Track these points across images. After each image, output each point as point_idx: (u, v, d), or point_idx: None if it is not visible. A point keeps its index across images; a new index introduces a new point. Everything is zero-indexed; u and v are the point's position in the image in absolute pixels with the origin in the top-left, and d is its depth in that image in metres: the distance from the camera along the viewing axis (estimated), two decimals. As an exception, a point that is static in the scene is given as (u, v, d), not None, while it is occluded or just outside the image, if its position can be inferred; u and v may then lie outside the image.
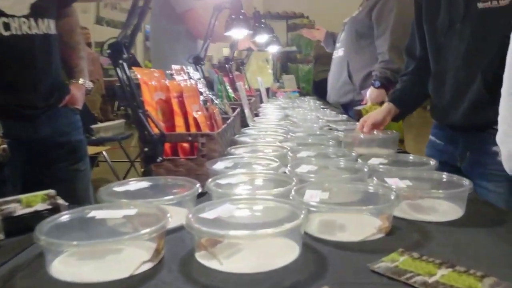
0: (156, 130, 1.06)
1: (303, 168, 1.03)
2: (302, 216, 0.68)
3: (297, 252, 0.69)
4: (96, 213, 0.75)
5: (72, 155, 1.46)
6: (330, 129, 1.75)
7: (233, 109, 1.84)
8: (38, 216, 0.80)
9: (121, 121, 4.45)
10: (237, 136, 1.50)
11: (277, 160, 1.09)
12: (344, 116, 2.11)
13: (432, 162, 1.08)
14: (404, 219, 0.85)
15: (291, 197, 0.80)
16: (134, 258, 0.68)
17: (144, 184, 0.95)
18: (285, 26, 7.03)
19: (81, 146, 1.51)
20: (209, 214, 0.73)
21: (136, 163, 3.87)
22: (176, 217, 0.74)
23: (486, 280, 0.59)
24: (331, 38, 3.15)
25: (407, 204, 0.87)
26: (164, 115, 1.24)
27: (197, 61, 1.99)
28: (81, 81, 1.51)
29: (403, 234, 0.79)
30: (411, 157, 1.15)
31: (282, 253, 0.69)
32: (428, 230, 0.80)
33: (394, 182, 0.90)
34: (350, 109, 2.53)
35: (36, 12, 1.28)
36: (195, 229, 0.66)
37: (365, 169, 1.00)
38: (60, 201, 0.88)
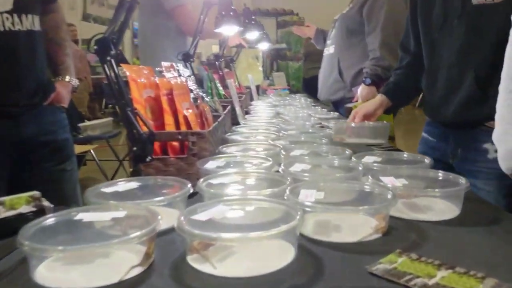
0: (145, 129, 1.03)
1: (296, 167, 1.01)
2: (297, 217, 0.65)
3: (292, 254, 0.67)
4: (83, 216, 0.72)
5: (58, 155, 1.42)
6: (322, 126, 1.74)
7: (224, 107, 1.81)
8: (22, 219, 0.77)
9: (109, 119, 4.40)
10: (228, 134, 1.48)
11: (270, 159, 1.07)
12: (336, 114, 2.10)
13: (427, 160, 1.07)
14: (400, 219, 0.83)
15: (285, 197, 0.78)
16: (123, 262, 0.65)
17: (133, 184, 0.92)
18: (275, 23, 7.01)
19: (67, 145, 1.47)
20: (201, 216, 0.70)
21: (124, 162, 3.83)
22: (166, 218, 0.71)
23: (487, 282, 0.58)
24: (322, 35, 3.14)
25: (402, 203, 0.86)
26: (153, 113, 1.21)
27: (187, 58, 1.96)
28: (67, 78, 1.47)
29: (400, 234, 0.77)
30: (405, 155, 1.14)
31: (278, 255, 0.67)
32: (425, 229, 0.78)
33: (389, 181, 0.89)
34: (341, 107, 2.52)
35: (19, 8, 1.24)
36: (186, 232, 0.64)
37: (360, 168, 0.98)
38: (45, 203, 0.85)
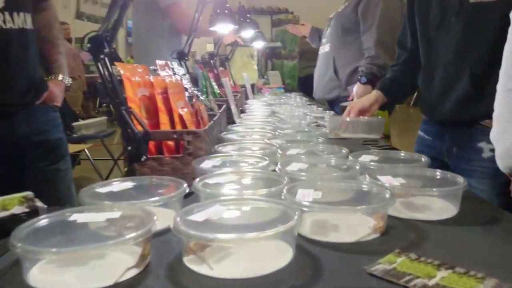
0: (139, 128, 1.02)
1: (293, 166, 1.00)
2: (295, 217, 0.64)
3: (290, 254, 0.66)
4: (78, 217, 0.71)
5: (51, 154, 1.40)
6: (318, 125, 1.73)
7: (219, 106, 1.80)
8: (15, 220, 0.76)
9: (103, 118, 4.38)
10: (224, 133, 1.47)
11: (266, 158, 1.06)
12: (332, 113, 2.09)
13: (424, 159, 1.06)
14: (397, 218, 0.83)
15: (283, 197, 0.77)
16: (119, 264, 0.64)
17: (128, 184, 0.90)
18: (270, 21, 6.99)
19: (61, 144, 1.45)
20: (197, 216, 0.69)
21: (119, 161, 3.81)
22: (162, 219, 0.70)
23: (488, 282, 0.57)
24: (317, 33, 3.13)
25: (400, 202, 0.85)
26: (148, 112, 1.20)
27: (181, 57, 1.95)
28: (60, 77, 1.46)
29: (398, 233, 0.76)
30: (402, 154, 1.13)
31: (275, 256, 0.66)
32: (423, 229, 0.78)
33: (387, 180, 0.88)
34: (336, 105, 2.51)
35: (11, 6, 1.22)
36: (183, 232, 0.63)
37: (357, 167, 0.97)
38: (39, 203, 0.83)
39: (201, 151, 1.12)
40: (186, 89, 1.49)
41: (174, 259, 0.68)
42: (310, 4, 7.01)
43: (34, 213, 0.80)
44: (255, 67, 3.78)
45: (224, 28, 2.05)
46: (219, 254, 0.65)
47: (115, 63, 1.08)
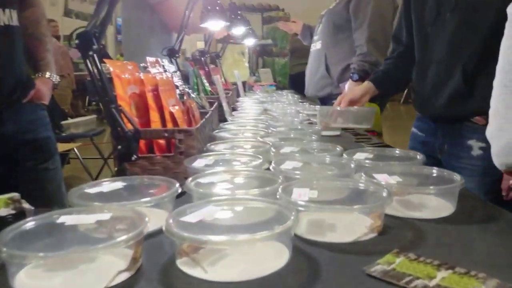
0: (130, 126, 0.99)
1: (287, 165, 0.98)
2: (292, 217, 0.63)
3: (287, 256, 0.64)
4: (66, 219, 0.68)
5: (39, 153, 1.37)
6: (310, 123, 1.71)
7: (210, 103, 1.77)
8: (0, 223, 0.73)
9: (93, 116, 4.32)
10: (216, 131, 1.44)
11: (260, 156, 1.04)
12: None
13: (419, 156, 1.05)
14: (394, 217, 0.81)
15: (278, 196, 0.75)
16: (109, 267, 0.62)
17: (118, 184, 0.88)
18: (260, 19, 6.97)
19: (49, 143, 1.42)
20: (191, 217, 0.67)
21: (109, 160, 3.76)
22: (154, 220, 0.68)
23: (489, 283, 0.56)
24: (308, 31, 3.12)
25: (396, 200, 0.84)
26: (138, 110, 1.17)
27: (172, 54, 1.92)
28: (47, 75, 1.42)
29: (396, 233, 0.75)
30: (397, 152, 1.12)
31: (272, 257, 0.64)
32: (421, 228, 0.76)
33: (383, 178, 0.86)
34: (328, 103, 2.50)
35: None
36: (175, 234, 0.61)
37: (352, 165, 0.96)
38: (26, 205, 0.80)
39: (193, 150, 1.10)
40: (177, 87, 1.46)
41: (166, 262, 0.66)
42: (301, 2, 6.99)
43: (20, 215, 0.77)
44: (246, 64, 3.76)
45: (215, 25, 2.02)
46: (213, 256, 0.63)
47: (104, 60, 1.06)
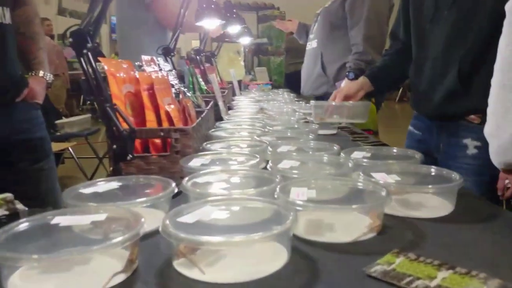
0: (125, 126, 0.98)
1: (285, 164, 0.97)
2: (291, 217, 0.62)
3: (286, 256, 0.63)
4: (61, 220, 0.67)
5: (34, 154, 1.35)
6: (307, 122, 1.71)
7: (206, 102, 1.76)
8: (-7, 224, 0.71)
9: (87, 116, 4.29)
10: (212, 130, 1.43)
11: (257, 155, 1.03)
12: None
13: (417, 155, 1.05)
14: (393, 216, 0.80)
15: (276, 196, 0.74)
16: (105, 269, 0.61)
17: (113, 184, 0.87)
18: (256, 17, 6.95)
19: (43, 143, 1.40)
20: (187, 218, 0.66)
21: (104, 160, 3.74)
22: (150, 220, 0.67)
23: (491, 283, 0.55)
24: (304, 29, 3.11)
25: (394, 200, 0.83)
26: (134, 109, 1.16)
27: (167, 52, 1.90)
28: (41, 73, 1.41)
29: (395, 232, 0.74)
30: (394, 150, 1.11)
31: (270, 258, 0.63)
32: (420, 227, 0.76)
33: (381, 177, 0.86)
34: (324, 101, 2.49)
35: None
36: (172, 235, 0.60)
37: (350, 164, 0.95)
38: (19, 206, 0.79)
39: (189, 149, 1.09)
40: (173, 86, 1.45)
41: (163, 263, 0.65)
42: (296, 0, 6.99)
43: (14, 216, 0.76)
44: (242, 63, 3.75)
45: (211, 23, 2.01)
46: (211, 257, 0.63)
47: (99, 58, 1.04)
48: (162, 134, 1.09)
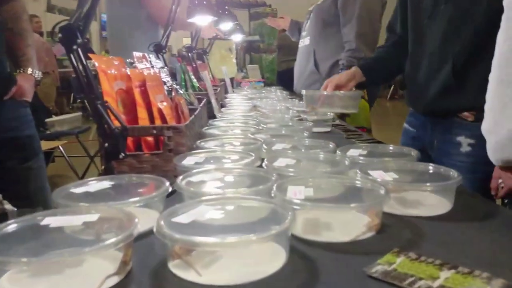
0: (117, 123, 0.96)
1: (280, 162, 0.95)
2: (289, 217, 0.60)
3: (284, 257, 0.62)
4: (51, 220, 0.65)
5: (22, 152, 1.33)
6: (301, 119, 1.69)
7: (199, 100, 1.74)
8: (-19, 226, 0.69)
9: (78, 114, 4.25)
10: (205, 128, 1.41)
11: (252, 153, 1.01)
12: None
13: (413, 152, 1.04)
14: (391, 214, 0.79)
15: (272, 195, 0.73)
16: (98, 271, 0.58)
17: (105, 183, 0.84)
18: (247, 15, 6.92)
19: (32, 142, 1.38)
20: (183, 218, 0.64)
21: (96, 158, 3.70)
22: (143, 220, 0.65)
23: (494, 283, 0.54)
24: (296, 26, 3.09)
25: (392, 198, 0.81)
26: (125, 107, 1.14)
27: (159, 49, 1.88)
28: (29, 70, 1.38)
29: (394, 231, 0.73)
30: (391, 148, 1.10)
31: (268, 259, 0.61)
32: (419, 226, 0.75)
33: (379, 175, 0.84)
34: (317, 99, 2.48)
35: None
36: (167, 236, 0.58)
37: (346, 162, 0.94)
38: (8, 206, 0.77)
39: (182, 147, 1.07)
40: (165, 83, 1.43)
41: (158, 265, 0.63)
42: (288, -2, 6.97)
43: (2, 216, 0.74)
44: (234, 60, 3.72)
45: (202, 20, 1.99)
46: (207, 258, 0.61)
47: (89, 55, 1.02)
48: (154, 132, 1.07)
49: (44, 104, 4.49)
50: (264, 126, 1.46)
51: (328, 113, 1.76)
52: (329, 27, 2.46)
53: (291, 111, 1.83)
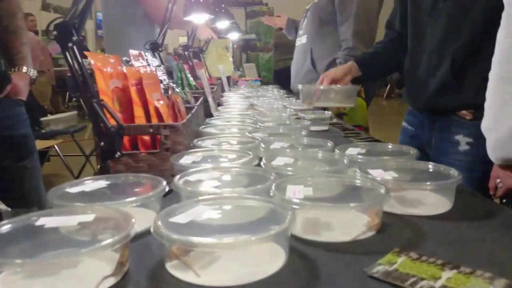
0: (113, 122, 0.94)
1: (279, 161, 0.94)
2: (289, 217, 0.59)
3: (283, 257, 0.61)
4: (46, 221, 0.64)
5: (17, 151, 1.31)
6: (298, 118, 1.68)
7: (196, 98, 1.73)
8: (-26, 226, 0.68)
9: (73, 113, 4.22)
10: (202, 127, 1.40)
11: (250, 152, 1.00)
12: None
13: (412, 151, 1.03)
14: (390, 214, 0.78)
15: (271, 194, 0.72)
16: (94, 273, 0.57)
17: (101, 183, 0.83)
18: (244, 13, 6.90)
19: (27, 141, 1.36)
20: (180, 218, 0.63)
21: (92, 158, 3.68)
22: (140, 220, 0.64)
23: (497, 283, 0.53)
24: (293, 25, 3.09)
25: (392, 197, 0.81)
26: (122, 105, 1.12)
27: (155, 48, 1.86)
28: (24, 69, 1.36)
29: (394, 231, 0.72)
30: (389, 146, 1.09)
31: (268, 259, 0.60)
32: (419, 225, 0.74)
33: (378, 174, 0.84)
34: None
35: None
36: (165, 236, 0.57)
37: (345, 161, 0.93)
38: (2, 206, 0.76)
39: (179, 146, 1.06)
40: (161, 81, 1.41)
41: (155, 266, 0.62)
42: (284, -4, 6.95)
43: (-4, 217, 0.72)
44: (231, 59, 3.71)
45: (199, 18, 1.97)
46: (206, 259, 0.60)
47: (85, 53, 1.00)
48: (151, 130, 1.05)
49: (39, 103, 4.46)
50: (262, 124, 1.45)
51: (326, 112, 1.75)
52: (326, 25, 2.46)
53: (288, 109, 1.82)
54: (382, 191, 0.72)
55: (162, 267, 0.60)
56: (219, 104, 2.12)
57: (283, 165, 0.92)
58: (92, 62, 1.04)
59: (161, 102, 1.20)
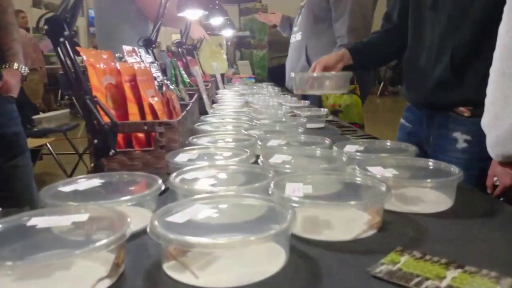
0: (106, 119, 0.92)
1: (276, 158, 0.93)
2: (289, 216, 0.58)
3: (284, 257, 0.59)
4: (38, 221, 0.62)
5: (7, 150, 1.29)
6: (294, 115, 1.67)
7: (190, 95, 1.71)
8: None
9: (66, 111, 4.18)
10: (197, 124, 1.38)
11: (247, 150, 0.98)
12: (307, 102, 2.04)
13: (411, 148, 1.02)
14: (391, 211, 0.77)
15: (270, 192, 0.70)
16: (89, 274, 0.56)
17: (95, 181, 0.81)
18: (238, 10, 6.86)
19: (18, 139, 1.33)
20: (177, 217, 0.61)
21: (85, 156, 3.64)
22: (136, 219, 0.62)
23: (504, 282, 0.52)
24: (288, 22, 3.07)
25: (393, 194, 0.80)
26: (115, 102, 1.10)
27: (148, 44, 1.84)
28: (15, 65, 1.33)
29: (395, 229, 0.71)
30: (388, 143, 1.08)
31: (268, 260, 0.59)
32: (420, 223, 0.73)
33: (378, 171, 0.82)
34: (309, 95, 2.46)
35: None
36: (162, 237, 0.55)
37: (344, 158, 0.91)
38: (-8, 206, 0.73)
39: (174, 144, 1.04)
40: (155, 78, 1.39)
41: (152, 266, 0.60)
42: (278, -7, 6.91)
43: (-14, 217, 0.70)
44: (224, 56, 3.69)
45: (193, 14, 1.95)
46: (204, 260, 0.58)
47: (77, 48, 0.98)
48: (146, 128, 1.03)
49: (31, 100, 4.41)
50: (258, 122, 1.43)
51: (322, 109, 1.74)
52: (321, 22, 2.44)
53: (284, 107, 1.81)
54: (383, 188, 0.71)
55: (159, 268, 0.58)
56: (213, 102, 2.10)
57: (281, 163, 0.90)
58: (84, 58, 1.02)
59: (156, 99, 1.18)
